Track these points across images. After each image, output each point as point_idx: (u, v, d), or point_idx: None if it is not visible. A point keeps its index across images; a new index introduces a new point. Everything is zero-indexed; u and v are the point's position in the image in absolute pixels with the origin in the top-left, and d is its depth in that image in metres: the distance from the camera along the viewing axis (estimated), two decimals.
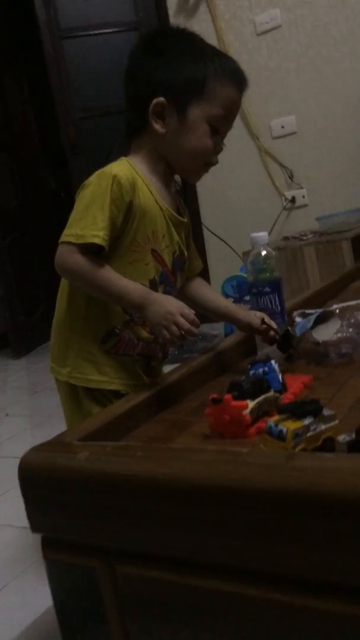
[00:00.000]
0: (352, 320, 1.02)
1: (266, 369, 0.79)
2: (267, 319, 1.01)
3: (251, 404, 0.70)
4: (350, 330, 1.04)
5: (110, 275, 0.90)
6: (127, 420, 0.81)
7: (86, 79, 2.94)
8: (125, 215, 0.92)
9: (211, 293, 1.14)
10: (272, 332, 1.01)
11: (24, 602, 1.08)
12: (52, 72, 3.03)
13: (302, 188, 2.88)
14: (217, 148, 0.98)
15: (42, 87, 3.34)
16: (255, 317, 1.02)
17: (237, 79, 0.97)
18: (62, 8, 3.00)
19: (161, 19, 3.03)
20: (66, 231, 0.91)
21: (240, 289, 2.26)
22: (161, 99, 0.93)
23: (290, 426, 0.58)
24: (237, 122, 3.23)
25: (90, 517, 0.63)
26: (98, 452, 0.65)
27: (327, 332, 1.02)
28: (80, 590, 0.64)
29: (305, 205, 2.89)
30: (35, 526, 0.68)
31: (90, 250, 0.90)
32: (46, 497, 0.67)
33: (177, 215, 1.02)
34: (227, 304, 1.11)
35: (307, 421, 0.59)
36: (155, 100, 0.93)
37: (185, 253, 1.06)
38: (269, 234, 2.89)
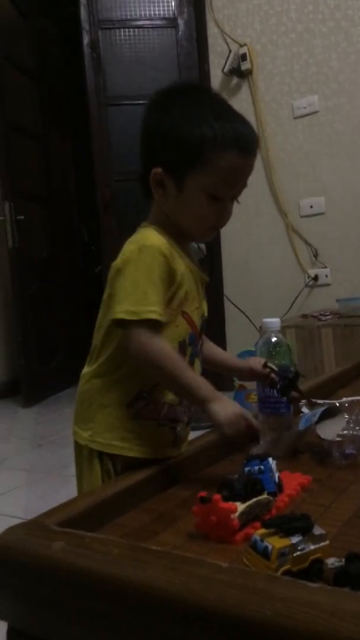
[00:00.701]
0: None
1: (262, 467, 0.76)
2: (268, 363, 1.01)
3: (241, 507, 0.66)
4: (358, 428, 1.01)
5: (182, 365, 0.91)
6: (114, 505, 0.78)
7: (126, 145, 3.06)
8: (174, 285, 0.93)
9: (212, 346, 1.13)
10: (273, 375, 1.00)
11: None
12: (95, 135, 3.16)
13: (325, 267, 2.89)
14: (222, 214, 0.95)
15: (84, 146, 3.48)
16: (255, 361, 1.02)
17: (239, 144, 0.91)
18: (110, 76, 3.17)
19: None
20: (118, 307, 0.89)
21: None
22: (159, 169, 0.93)
23: (276, 544, 0.55)
24: (267, 198, 3.30)
25: (60, 614, 0.60)
26: (74, 543, 0.62)
27: (332, 430, 0.99)
28: None
29: (328, 285, 2.89)
30: (1, 612, 0.65)
31: (160, 325, 0.90)
32: (16, 585, 0.64)
33: (202, 274, 1.02)
34: (228, 356, 1.13)
35: (295, 539, 0.56)
36: (153, 170, 0.93)
37: (206, 314, 1.06)
38: (289, 310, 2.90)
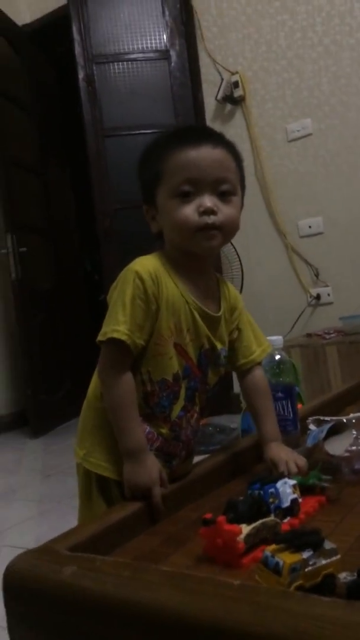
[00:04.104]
0: None
1: (273, 490, 0.75)
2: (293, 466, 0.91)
3: (246, 529, 0.65)
4: None
5: (127, 404, 0.91)
6: (123, 529, 0.77)
7: (124, 174, 3.11)
8: (153, 307, 0.92)
9: (260, 404, 1.04)
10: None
11: None
12: (93, 166, 3.22)
13: (327, 286, 2.91)
14: (199, 209, 0.91)
15: (83, 177, 3.53)
16: (284, 455, 0.94)
17: (184, 139, 0.94)
18: (106, 109, 3.23)
19: (199, 123, 3.23)
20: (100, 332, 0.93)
21: None
22: (144, 207, 1.00)
23: (287, 559, 0.55)
24: (266, 220, 3.34)
25: (70, 638, 0.59)
26: (85, 567, 0.61)
27: (340, 446, 0.98)
28: None
29: (330, 303, 2.90)
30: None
31: (128, 350, 0.90)
32: (29, 613, 0.63)
33: (205, 310, 0.98)
34: (268, 429, 1.01)
35: (306, 554, 0.56)
36: (144, 210, 1.01)
37: (219, 347, 1.01)
38: (292, 329, 2.91)
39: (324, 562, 0.57)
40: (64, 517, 1.98)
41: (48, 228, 3.87)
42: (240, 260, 2.87)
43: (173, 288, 0.94)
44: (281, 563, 0.55)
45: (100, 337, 0.91)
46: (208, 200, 0.91)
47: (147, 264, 0.94)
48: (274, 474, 0.89)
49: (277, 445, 0.98)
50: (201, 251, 0.96)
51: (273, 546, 0.58)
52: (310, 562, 0.56)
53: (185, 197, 0.91)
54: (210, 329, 0.99)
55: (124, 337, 0.89)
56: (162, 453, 0.97)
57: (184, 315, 0.95)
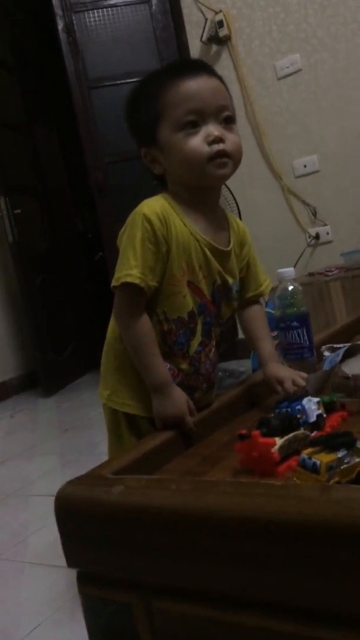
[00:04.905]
0: None
1: (299, 407, 0.79)
2: (299, 381, 0.95)
3: (279, 441, 0.69)
4: None
5: (148, 342, 0.93)
6: (160, 454, 0.82)
7: (113, 126, 3.05)
8: (164, 248, 0.94)
9: (259, 329, 1.10)
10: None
11: None
12: (81, 121, 3.15)
13: (325, 225, 2.91)
14: (208, 138, 0.92)
15: (71, 134, 3.47)
16: (281, 372, 0.99)
17: (180, 72, 0.94)
18: (89, 60, 3.15)
19: None
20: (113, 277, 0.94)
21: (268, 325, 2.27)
22: (143, 150, 1.00)
23: (323, 459, 0.59)
24: (260, 162, 3.29)
25: (126, 551, 0.64)
26: (132, 485, 0.65)
27: (356, 366, 1.02)
28: (116, 625, 0.64)
29: (330, 242, 2.91)
30: (71, 561, 0.69)
31: (142, 292, 0.92)
32: (82, 532, 0.68)
33: (216, 245, 0.99)
34: (267, 351, 1.06)
35: (340, 454, 0.60)
36: (142, 153, 1.00)
37: (231, 281, 1.04)
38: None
39: (357, 459, 0.61)
40: (85, 467, 2.03)
41: (40, 189, 3.83)
42: (237, 204, 2.86)
43: (182, 227, 0.96)
44: (318, 463, 0.59)
45: (114, 283, 0.93)
46: (215, 129, 0.92)
47: (154, 206, 0.95)
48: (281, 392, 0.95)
49: (276, 364, 1.03)
50: (214, 181, 0.97)
51: (309, 449, 0.62)
52: (345, 460, 0.60)
53: (192, 128, 0.92)
54: (221, 264, 1.01)
55: (137, 281, 0.91)
56: (184, 387, 1.00)
57: (195, 252, 0.97)
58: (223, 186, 2.89)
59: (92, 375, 3.61)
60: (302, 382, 0.95)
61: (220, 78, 0.98)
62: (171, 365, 0.98)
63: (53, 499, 0.69)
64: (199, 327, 1.00)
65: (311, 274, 2.56)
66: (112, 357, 1.04)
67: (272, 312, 1.18)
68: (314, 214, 2.92)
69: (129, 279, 0.91)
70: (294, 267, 2.87)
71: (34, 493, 1.89)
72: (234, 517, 0.55)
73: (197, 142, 0.92)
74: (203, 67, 0.97)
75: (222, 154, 0.93)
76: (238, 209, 2.86)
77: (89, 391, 3.34)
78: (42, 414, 3.10)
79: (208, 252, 0.99)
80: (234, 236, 1.05)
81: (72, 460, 2.15)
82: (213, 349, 1.05)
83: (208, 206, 1.01)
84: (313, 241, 2.94)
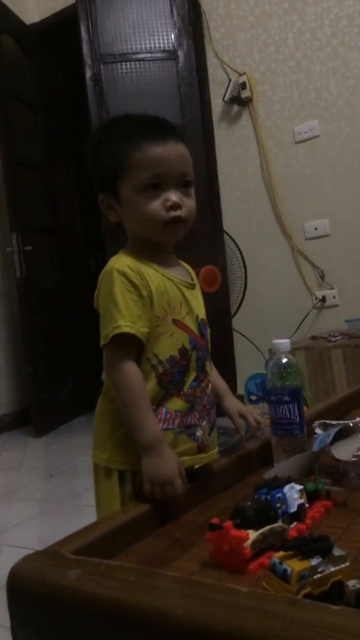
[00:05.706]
0: None
1: (280, 495, 0.74)
2: (258, 418, 1.04)
3: (253, 535, 0.64)
4: None
5: (138, 397, 0.91)
6: (129, 531, 0.77)
7: None
8: (145, 293, 0.94)
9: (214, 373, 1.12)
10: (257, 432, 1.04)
11: None
12: None
13: (332, 288, 2.89)
14: (167, 204, 0.94)
15: (89, 177, 3.53)
16: (244, 407, 1.05)
17: (152, 133, 0.95)
18: (113, 109, 3.22)
19: (206, 124, 3.22)
20: (100, 337, 0.94)
21: (263, 387, 2.23)
22: (100, 196, 1.01)
23: (295, 566, 0.54)
24: (272, 221, 3.33)
25: None
26: (90, 571, 0.61)
27: (347, 450, 0.97)
28: None
29: (336, 306, 2.89)
30: None
31: (132, 343, 0.92)
32: (32, 614, 0.63)
33: (186, 280, 1.03)
34: (223, 387, 1.12)
35: (314, 561, 0.55)
36: (99, 199, 1.02)
37: (201, 317, 1.05)
38: (296, 331, 2.90)
39: (332, 569, 0.56)
40: (66, 517, 1.98)
41: (53, 227, 3.87)
42: (244, 262, 2.86)
43: (154, 272, 0.98)
44: (289, 570, 0.54)
45: (103, 341, 0.93)
46: (174, 195, 0.95)
47: (122, 260, 0.97)
48: (237, 425, 1.03)
49: (234, 399, 1.07)
50: (167, 242, 1.02)
51: (281, 553, 0.57)
52: (319, 570, 0.55)
53: (153, 190, 0.95)
54: (198, 299, 1.05)
55: (126, 329, 0.90)
56: (184, 427, 0.98)
57: (172, 292, 0.99)
58: (230, 241, 2.91)
59: (87, 416, 3.55)
60: (261, 419, 1.02)
61: (183, 136, 1.00)
62: (167, 409, 0.97)
63: (27, 552, 0.65)
64: (193, 364, 1.00)
65: (314, 337, 2.53)
66: (108, 417, 1.01)
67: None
68: (322, 277, 2.91)
69: (117, 331, 0.90)
70: (297, 328, 2.88)
71: (7, 542, 1.82)
72: (190, 626, 0.50)
73: (156, 206, 0.95)
74: (171, 130, 0.98)
75: (177, 219, 0.96)
76: (244, 265, 2.86)
77: (81, 434, 3.28)
78: (29, 455, 3.03)
79: (184, 290, 1.01)
80: (188, 273, 1.09)
81: (53, 509, 2.08)
82: (210, 385, 1.05)
83: (167, 250, 1.05)
84: (319, 304, 2.93)
